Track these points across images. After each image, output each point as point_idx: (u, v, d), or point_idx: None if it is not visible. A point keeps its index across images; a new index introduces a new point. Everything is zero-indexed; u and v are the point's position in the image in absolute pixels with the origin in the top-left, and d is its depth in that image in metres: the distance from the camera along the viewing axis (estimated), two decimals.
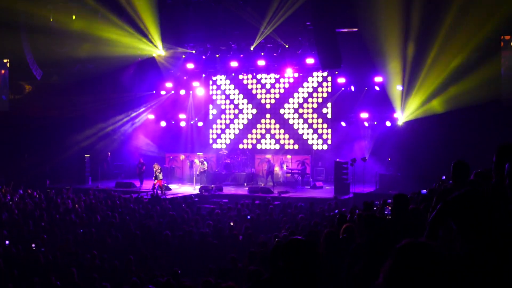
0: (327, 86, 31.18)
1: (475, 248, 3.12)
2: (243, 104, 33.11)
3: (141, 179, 29.14)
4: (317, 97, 31.31)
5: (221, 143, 33.63)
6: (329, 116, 31.16)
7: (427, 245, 2.52)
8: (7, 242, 14.99)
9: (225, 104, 33.56)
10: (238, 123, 33.29)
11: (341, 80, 29.59)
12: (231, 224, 16.82)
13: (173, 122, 34.31)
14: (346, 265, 6.15)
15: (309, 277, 4.01)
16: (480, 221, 3.37)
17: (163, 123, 34.21)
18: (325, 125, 31.14)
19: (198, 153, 31.07)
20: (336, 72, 29.64)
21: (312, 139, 31.38)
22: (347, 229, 8.00)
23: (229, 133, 33.54)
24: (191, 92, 33.82)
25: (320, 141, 31.21)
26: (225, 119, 33.59)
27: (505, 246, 3.16)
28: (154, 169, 26.61)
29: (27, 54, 26.48)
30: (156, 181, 26.33)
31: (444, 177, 18.73)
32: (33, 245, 14.58)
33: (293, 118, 31.91)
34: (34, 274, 12.18)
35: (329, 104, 31.06)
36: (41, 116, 30.38)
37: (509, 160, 4.30)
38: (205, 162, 29.57)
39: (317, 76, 31.14)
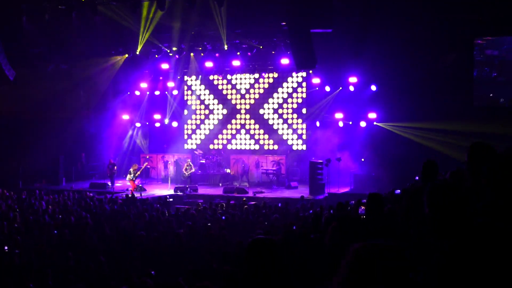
0: (303, 87, 31.24)
1: (451, 244, 3.16)
2: (214, 104, 33.18)
3: (112, 180, 28.95)
4: (297, 97, 31.31)
5: (191, 144, 33.61)
6: (303, 116, 31.25)
7: (382, 247, 2.57)
8: None
9: (198, 104, 33.54)
10: (210, 123, 33.31)
11: (316, 80, 29.67)
12: (208, 224, 16.80)
13: (147, 123, 34.20)
14: (320, 266, 6.18)
15: (274, 275, 4.05)
16: (455, 211, 3.44)
17: (137, 124, 34.08)
18: (304, 125, 31.19)
19: (175, 154, 31.05)
20: (311, 72, 29.73)
21: (292, 139, 31.37)
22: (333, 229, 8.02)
23: (200, 134, 33.56)
24: (166, 92, 33.67)
25: (300, 141, 31.24)
26: (197, 119, 33.59)
27: (475, 242, 3.22)
28: (132, 169, 26.59)
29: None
30: (131, 181, 26.32)
31: (417, 178, 18.91)
32: (6, 248, 14.44)
33: (273, 119, 31.88)
34: (8, 276, 12.06)
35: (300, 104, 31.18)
36: (13, 116, 30.03)
37: (481, 159, 4.37)
38: (191, 163, 29.48)
39: (297, 77, 31.11)
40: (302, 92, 31.20)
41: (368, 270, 2.49)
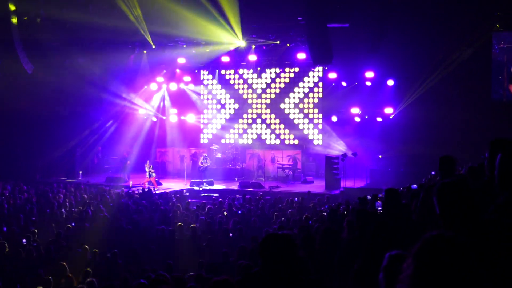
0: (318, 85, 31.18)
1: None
2: (226, 99, 33.23)
3: (127, 174, 29.06)
4: (318, 92, 31.24)
5: (204, 138, 33.74)
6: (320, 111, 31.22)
7: (455, 239, 2.39)
8: None
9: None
10: (222, 118, 33.35)
11: (332, 75, 29.55)
12: (224, 219, 16.83)
13: (164, 117, 34.24)
14: (337, 259, 6.17)
15: (289, 269, 4.08)
16: (462, 209, 3.42)
17: (153, 118, 34.16)
18: (320, 120, 31.15)
19: (191, 148, 31.15)
20: (326, 68, 29.67)
21: (313, 134, 31.27)
22: (349, 224, 8.02)
23: (212, 128, 33.62)
24: (182, 86, 33.66)
25: (316, 135, 31.15)
26: (225, 113, 33.54)
27: (488, 237, 3.21)
28: (146, 167, 26.66)
29: (17, 47, 26.26)
30: (149, 178, 26.40)
31: (433, 172, 18.85)
32: (24, 240, 14.55)
33: (293, 113, 31.78)
34: (26, 268, 12.17)
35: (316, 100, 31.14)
36: (31, 111, 30.21)
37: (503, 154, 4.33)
38: (207, 157, 29.56)
39: (318, 71, 30.96)
40: (318, 87, 31.06)
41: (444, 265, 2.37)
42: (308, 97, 31.29)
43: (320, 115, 31.09)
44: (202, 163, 29.25)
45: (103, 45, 29.39)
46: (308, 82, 31.23)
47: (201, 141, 33.59)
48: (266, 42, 28.86)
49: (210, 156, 31.09)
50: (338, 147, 29.41)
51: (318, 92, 31.12)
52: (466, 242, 2.38)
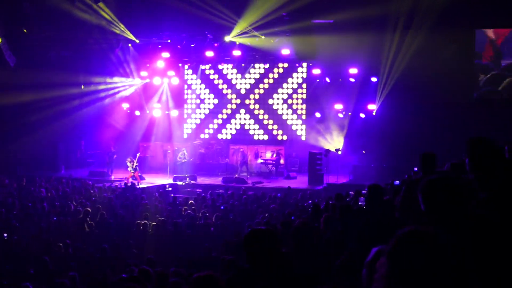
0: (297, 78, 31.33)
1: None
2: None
3: (111, 168, 28.95)
4: (303, 88, 31.37)
5: (187, 133, 33.75)
6: (304, 107, 31.33)
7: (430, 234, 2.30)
8: None
9: (204, 94, 33.42)
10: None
11: (316, 71, 29.56)
12: (206, 214, 16.83)
13: (147, 111, 34.07)
14: (322, 255, 6.20)
15: (274, 264, 4.10)
16: (449, 206, 3.44)
17: (137, 112, 33.96)
18: (303, 117, 31.30)
19: (174, 143, 31.09)
20: (311, 64, 29.72)
21: (292, 130, 31.42)
22: (327, 219, 8.05)
23: (191, 123, 33.64)
24: (166, 81, 33.54)
25: (300, 131, 31.31)
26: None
27: (476, 232, 3.23)
28: (128, 162, 26.55)
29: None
30: (132, 173, 26.32)
31: (416, 169, 18.93)
32: (5, 235, 14.46)
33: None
34: (7, 262, 12.10)
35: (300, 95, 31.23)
36: (13, 103, 29.93)
37: (480, 153, 4.38)
38: (185, 152, 29.56)
39: (303, 67, 31.01)
40: (302, 86, 31.22)
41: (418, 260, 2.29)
42: (297, 93, 31.42)
43: (304, 111, 31.17)
44: (180, 158, 29.27)
45: (88, 38, 29.23)
46: (293, 78, 31.32)
47: (184, 136, 33.51)
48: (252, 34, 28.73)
49: (194, 151, 31.04)
50: (321, 143, 29.45)
51: (303, 88, 31.20)
52: (441, 236, 2.29)
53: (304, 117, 31.21)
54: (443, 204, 3.45)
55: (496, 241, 3.23)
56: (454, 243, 2.30)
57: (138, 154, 28.20)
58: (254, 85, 32.28)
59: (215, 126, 33.00)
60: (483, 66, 26.99)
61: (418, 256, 2.22)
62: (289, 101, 31.56)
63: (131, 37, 30.00)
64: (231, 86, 32.68)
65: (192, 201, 19.23)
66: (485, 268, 3.03)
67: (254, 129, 32.31)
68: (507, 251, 3.17)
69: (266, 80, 31.98)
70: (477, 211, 3.67)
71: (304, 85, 31.17)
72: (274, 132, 31.79)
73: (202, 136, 32.99)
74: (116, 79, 32.94)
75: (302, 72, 31.09)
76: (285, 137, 31.44)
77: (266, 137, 31.99)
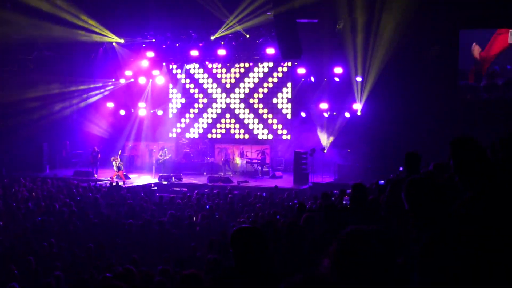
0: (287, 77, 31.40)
1: (433, 234, 3.20)
2: (196, 93, 33.15)
3: (95, 168, 28.84)
4: (287, 87, 31.51)
5: (176, 132, 33.69)
6: (289, 106, 31.39)
7: (368, 232, 2.56)
8: None
9: (192, 92, 33.44)
10: (191, 113, 33.27)
11: (301, 70, 29.58)
12: (192, 213, 16.82)
13: (132, 111, 33.93)
14: (306, 254, 6.22)
15: (260, 263, 4.12)
16: (431, 205, 3.48)
17: (122, 112, 33.80)
18: (288, 116, 31.38)
19: (159, 142, 31.04)
20: (296, 63, 29.75)
21: (278, 129, 31.51)
22: (307, 219, 8.08)
23: (181, 124, 33.65)
24: (150, 80, 33.44)
25: (285, 131, 31.39)
26: (193, 108, 33.54)
27: (459, 233, 3.27)
28: (113, 161, 26.44)
29: None
30: (117, 172, 26.23)
31: (401, 168, 19.04)
32: None
33: (260, 108, 32.01)
34: None
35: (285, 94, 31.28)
36: None
37: (464, 153, 4.42)
38: (166, 150, 29.56)
39: (287, 66, 31.19)
40: (287, 85, 31.29)
41: (355, 255, 2.50)
42: (282, 92, 31.54)
43: (290, 110, 31.24)
44: (161, 155, 29.30)
45: (70, 37, 29.08)
46: (277, 77, 31.39)
47: (170, 135, 33.46)
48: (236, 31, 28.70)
49: (179, 150, 31.01)
50: (307, 142, 29.49)
51: (287, 87, 31.28)
52: (379, 234, 2.54)
53: (289, 116, 31.23)
54: (426, 203, 3.50)
55: (479, 238, 3.27)
56: (389, 240, 2.56)
57: (119, 152, 28.11)
58: (237, 84, 32.33)
59: (205, 126, 33.00)
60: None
61: (357, 255, 2.49)
62: (274, 100, 31.57)
63: (116, 39, 29.98)
64: (219, 85, 32.70)
65: (178, 201, 19.21)
66: (467, 265, 3.07)
67: (237, 129, 32.30)
68: (489, 248, 3.20)
69: (250, 80, 31.99)
70: (460, 210, 3.71)
71: (289, 85, 31.25)
72: (259, 131, 31.79)
73: (187, 135, 32.94)
74: (100, 78, 32.83)
75: (287, 72, 31.15)
76: (270, 137, 31.50)
77: (247, 136, 32.05)
